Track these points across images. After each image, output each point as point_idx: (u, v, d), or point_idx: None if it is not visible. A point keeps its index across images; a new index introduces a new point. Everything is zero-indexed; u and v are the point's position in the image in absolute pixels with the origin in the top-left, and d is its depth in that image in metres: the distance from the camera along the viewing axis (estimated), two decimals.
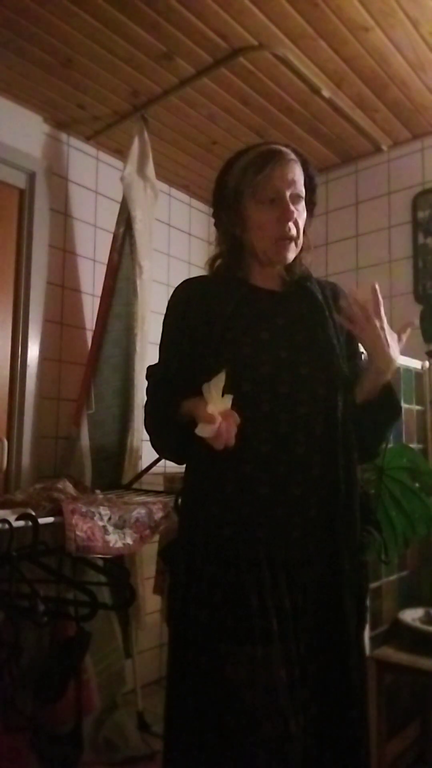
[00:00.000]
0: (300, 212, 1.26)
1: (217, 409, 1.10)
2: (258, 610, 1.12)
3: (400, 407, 1.33)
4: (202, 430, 1.10)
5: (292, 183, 1.24)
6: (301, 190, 1.26)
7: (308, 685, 1.14)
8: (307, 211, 1.31)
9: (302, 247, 1.32)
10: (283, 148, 1.28)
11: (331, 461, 1.20)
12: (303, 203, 1.27)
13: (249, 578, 1.14)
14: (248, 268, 1.33)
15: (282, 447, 1.18)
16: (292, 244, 1.26)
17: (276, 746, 1.07)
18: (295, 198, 1.25)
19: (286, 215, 1.23)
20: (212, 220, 1.40)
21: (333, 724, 1.15)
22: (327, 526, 1.19)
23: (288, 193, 1.24)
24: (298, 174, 1.26)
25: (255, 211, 1.26)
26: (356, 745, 1.16)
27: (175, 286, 1.35)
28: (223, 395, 1.12)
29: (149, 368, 1.35)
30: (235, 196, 1.28)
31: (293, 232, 1.25)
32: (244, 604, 1.13)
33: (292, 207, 1.24)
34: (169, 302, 1.35)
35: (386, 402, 1.26)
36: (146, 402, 1.33)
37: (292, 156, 1.27)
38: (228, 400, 1.11)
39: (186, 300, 1.32)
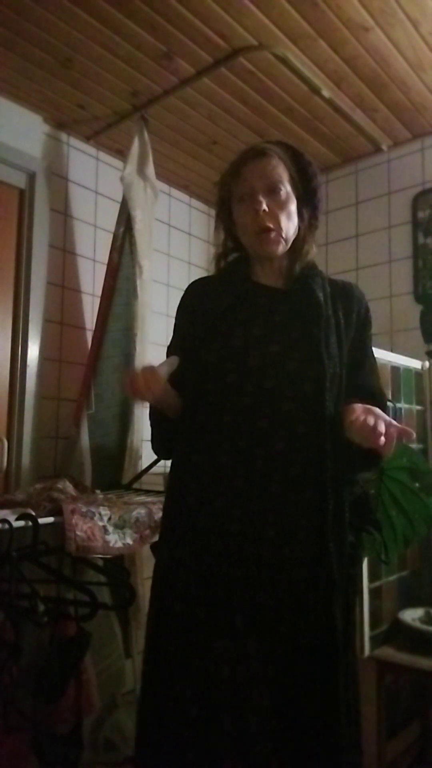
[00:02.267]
0: (282, 203, 1.24)
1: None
2: (224, 604, 1.12)
3: (378, 464, 1.29)
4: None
5: (264, 175, 1.23)
6: (277, 180, 1.24)
7: (289, 683, 1.12)
8: (304, 201, 1.29)
9: (303, 239, 1.30)
10: (261, 145, 1.28)
11: (314, 462, 1.16)
12: (284, 194, 1.25)
13: (219, 572, 1.14)
14: (251, 266, 1.34)
15: (260, 442, 1.16)
16: (274, 236, 1.24)
17: (236, 741, 1.08)
18: (271, 189, 1.24)
19: (257, 207, 1.22)
20: (212, 220, 1.42)
21: (315, 727, 1.11)
22: (314, 530, 1.15)
23: (260, 186, 1.23)
24: (273, 165, 1.24)
25: (237, 210, 1.28)
26: (338, 749, 1.10)
27: (175, 285, 1.37)
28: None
29: None
30: (226, 199, 1.31)
31: (269, 223, 1.23)
32: (212, 597, 1.13)
33: (261, 198, 1.22)
34: (178, 305, 1.39)
35: (365, 453, 1.16)
36: None
37: (269, 150, 1.26)
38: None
39: (190, 301, 1.36)
